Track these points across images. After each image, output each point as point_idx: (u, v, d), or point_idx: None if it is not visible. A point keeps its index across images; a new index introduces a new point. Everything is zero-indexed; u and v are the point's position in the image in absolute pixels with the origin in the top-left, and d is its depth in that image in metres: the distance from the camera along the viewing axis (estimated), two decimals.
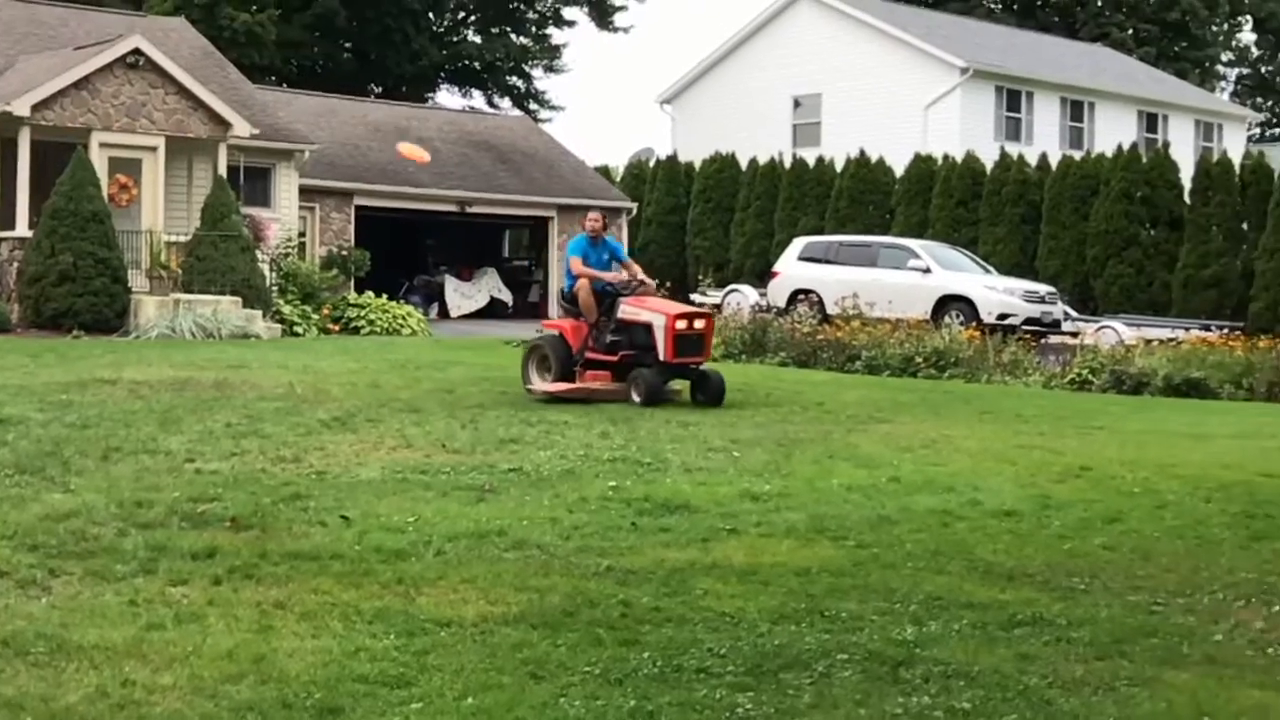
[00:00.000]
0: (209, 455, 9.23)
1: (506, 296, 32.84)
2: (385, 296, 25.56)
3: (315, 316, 23.49)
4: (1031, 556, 6.96)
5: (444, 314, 31.09)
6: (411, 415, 11.60)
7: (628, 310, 13.72)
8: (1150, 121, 41.29)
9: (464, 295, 32.17)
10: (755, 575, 6.40)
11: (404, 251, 32.85)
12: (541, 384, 13.64)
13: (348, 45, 50.98)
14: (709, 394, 13.51)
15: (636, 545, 6.96)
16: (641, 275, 14.35)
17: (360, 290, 26.64)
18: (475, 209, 31.72)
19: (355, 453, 9.57)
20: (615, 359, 13.63)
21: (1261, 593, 6.34)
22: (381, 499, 7.89)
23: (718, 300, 27.34)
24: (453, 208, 31.42)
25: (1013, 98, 37.95)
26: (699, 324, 13.74)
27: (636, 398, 13.10)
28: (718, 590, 6.13)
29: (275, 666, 4.96)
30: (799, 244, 27.48)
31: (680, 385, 13.85)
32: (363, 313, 24.31)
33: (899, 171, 32.07)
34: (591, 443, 10.32)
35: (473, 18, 56.65)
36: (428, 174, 31.36)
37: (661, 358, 13.38)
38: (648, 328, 13.51)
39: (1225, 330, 21.89)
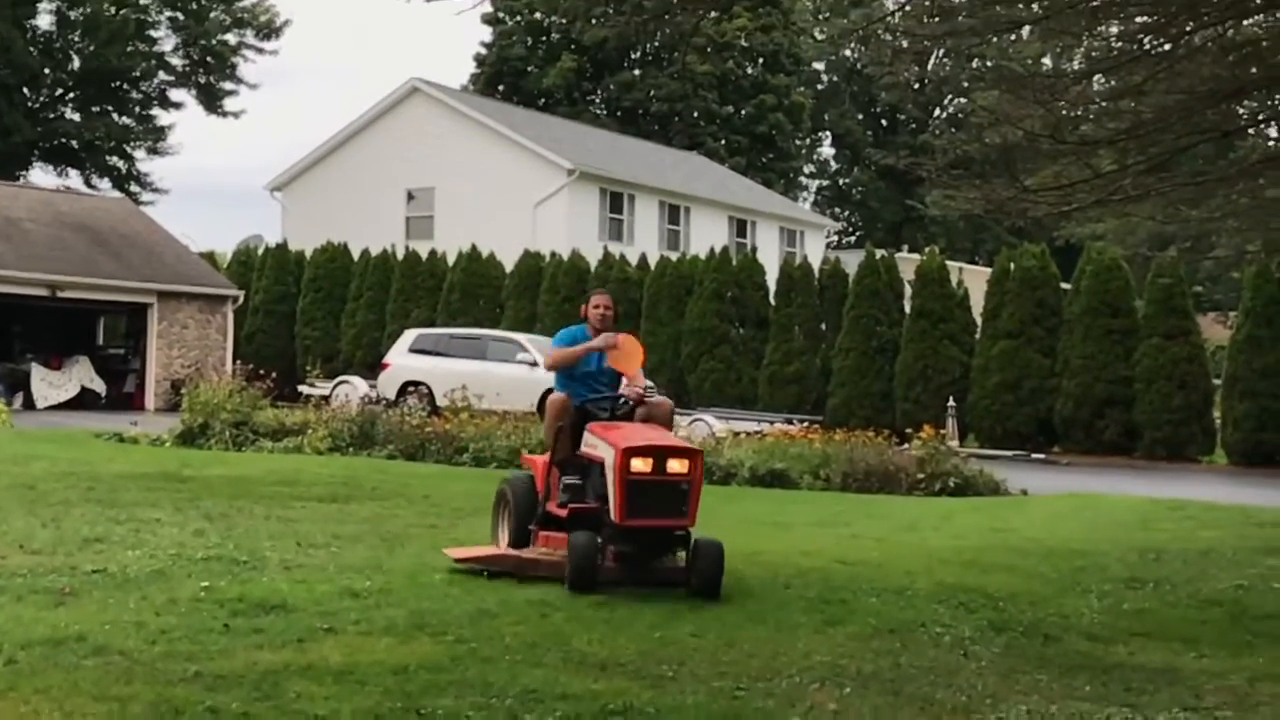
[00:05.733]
0: None
1: (99, 386, 31.15)
2: None
3: None
4: (625, 646, 7.18)
5: (29, 404, 29.15)
6: None
7: (590, 439, 9.06)
8: (740, 227, 43.91)
9: (52, 385, 30.28)
10: (352, 675, 6.31)
11: None
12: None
13: None
14: (698, 576, 8.51)
15: (228, 648, 6.73)
16: (642, 386, 9.62)
17: None
18: (67, 293, 30.03)
19: None
20: (563, 514, 9.05)
21: (835, 675, 6.75)
22: None
23: (326, 391, 26.87)
24: (42, 291, 29.63)
25: (616, 200, 39.51)
26: (675, 465, 8.56)
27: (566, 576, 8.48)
28: (312, 692, 6.00)
29: None
30: (410, 336, 27.50)
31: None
32: None
33: (509, 266, 32.70)
34: (185, 541, 9.91)
35: (71, 95, 54.07)
36: (14, 255, 29.51)
37: (612, 516, 8.59)
38: (601, 468, 8.78)
39: (805, 424, 23.38)
